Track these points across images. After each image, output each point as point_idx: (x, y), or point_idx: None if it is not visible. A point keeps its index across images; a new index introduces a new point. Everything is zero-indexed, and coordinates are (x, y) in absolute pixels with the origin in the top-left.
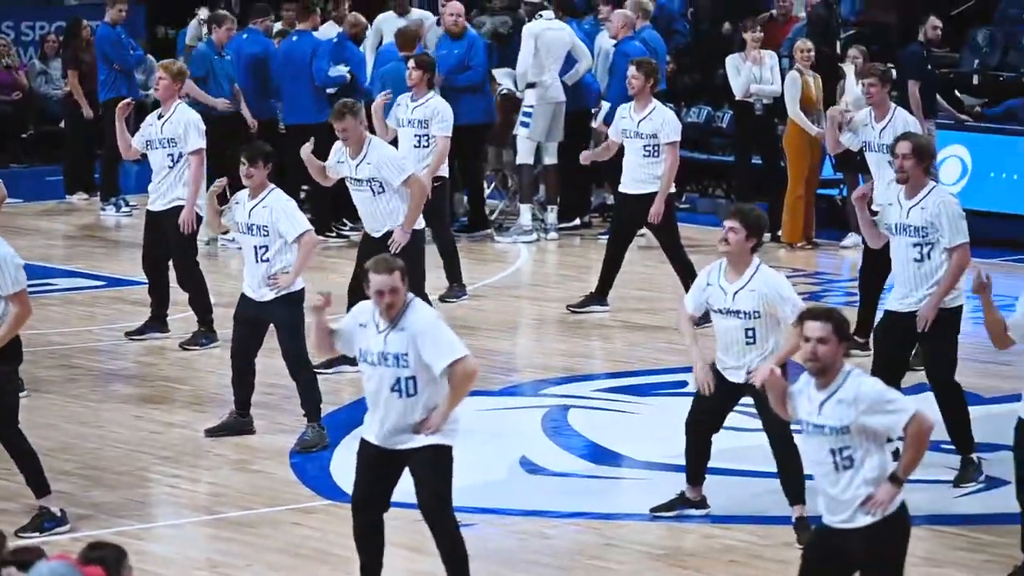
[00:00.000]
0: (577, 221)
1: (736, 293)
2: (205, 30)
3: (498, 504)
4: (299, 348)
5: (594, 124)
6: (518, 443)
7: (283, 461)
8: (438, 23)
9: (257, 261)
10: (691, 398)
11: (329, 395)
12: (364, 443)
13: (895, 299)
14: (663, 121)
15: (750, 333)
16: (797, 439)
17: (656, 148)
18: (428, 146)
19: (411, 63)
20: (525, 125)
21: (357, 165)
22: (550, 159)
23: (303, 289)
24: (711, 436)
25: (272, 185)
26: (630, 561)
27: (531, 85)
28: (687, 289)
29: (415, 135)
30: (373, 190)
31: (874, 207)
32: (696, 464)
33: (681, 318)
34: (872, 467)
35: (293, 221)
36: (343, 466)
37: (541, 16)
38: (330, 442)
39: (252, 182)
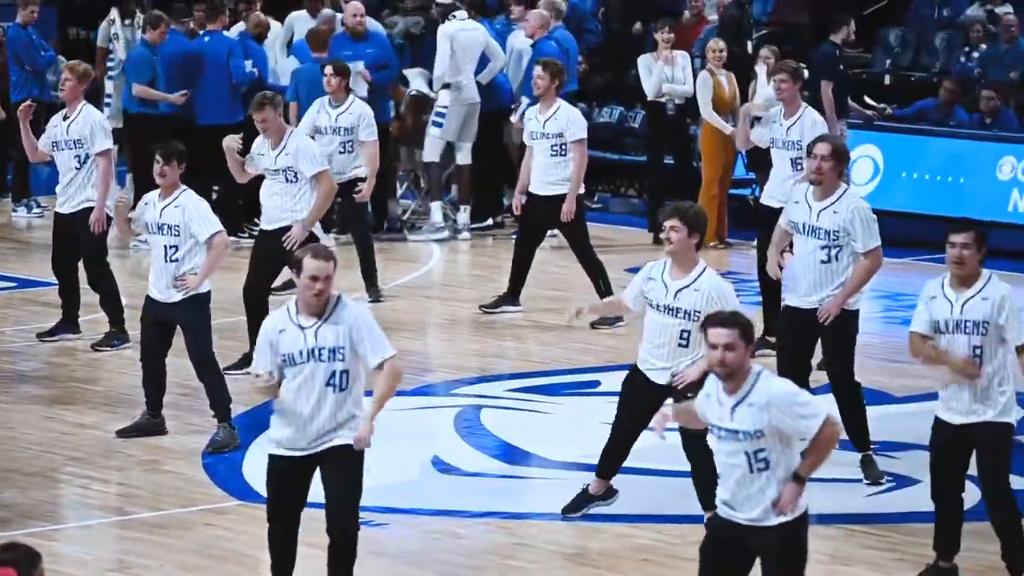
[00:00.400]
0: (490, 221)
1: (680, 291)
2: (140, 32)
3: (410, 504)
4: (205, 349)
5: (513, 119)
6: (430, 443)
7: (195, 462)
8: (342, 23)
9: (166, 261)
10: (604, 398)
11: (240, 395)
12: (274, 458)
13: (797, 296)
14: (568, 120)
15: (685, 335)
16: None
17: (563, 147)
18: (354, 151)
19: (329, 70)
20: (437, 125)
21: (277, 155)
22: (463, 159)
23: (210, 291)
24: (633, 439)
25: (184, 186)
26: (542, 560)
27: (446, 86)
28: (597, 288)
29: (341, 142)
30: (287, 178)
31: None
32: (612, 463)
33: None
34: (786, 468)
35: (206, 221)
36: (255, 467)
37: (454, 17)
38: (242, 442)
39: (165, 181)
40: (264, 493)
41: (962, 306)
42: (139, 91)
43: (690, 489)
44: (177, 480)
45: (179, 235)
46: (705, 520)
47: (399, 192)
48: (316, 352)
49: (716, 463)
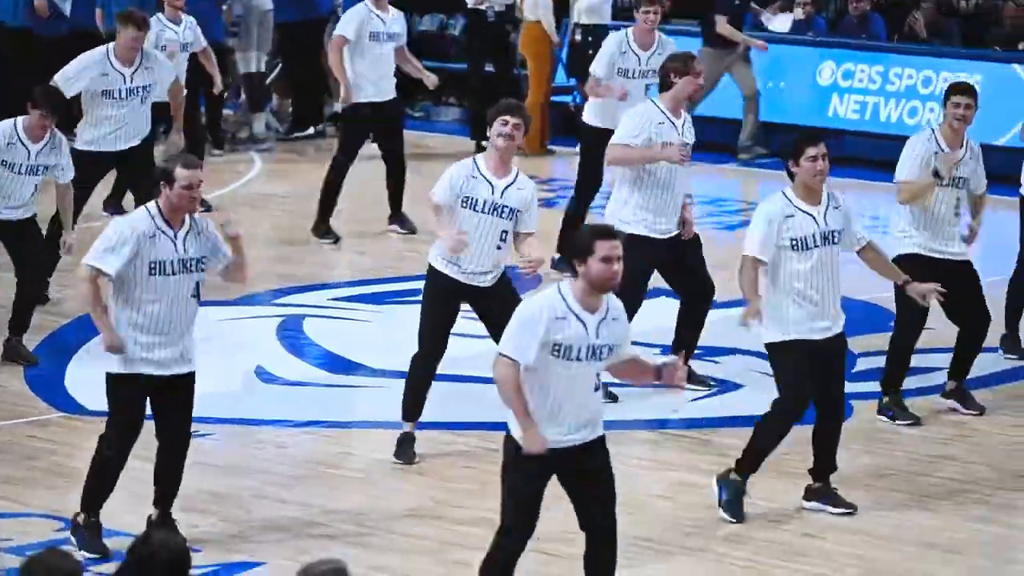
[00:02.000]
0: (311, 130)
1: (506, 189)
2: None
3: (234, 414)
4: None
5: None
6: (254, 353)
7: (17, 374)
8: None
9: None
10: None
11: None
12: (135, 376)
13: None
14: (402, 25)
15: (504, 236)
16: (556, 365)
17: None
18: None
19: None
20: (235, 35)
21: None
22: (256, 67)
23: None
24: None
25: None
26: (366, 469)
27: None
28: (395, 200)
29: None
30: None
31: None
32: (417, 400)
33: (434, 208)
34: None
35: None
36: (78, 380)
37: None
38: (67, 355)
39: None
40: (83, 403)
41: (825, 218)
42: None
43: None
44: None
45: None
46: None
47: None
48: (185, 264)
49: (562, 391)
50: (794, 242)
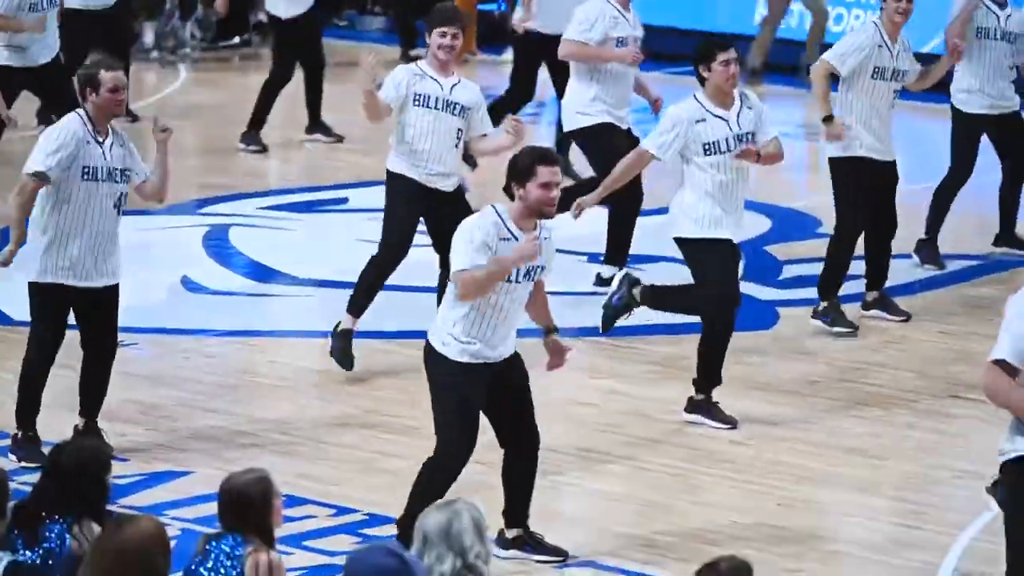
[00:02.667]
0: (236, 40)
1: (453, 87)
2: None
3: (160, 324)
4: None
5: None
6: (179, 263)
7: None
8: None
9: None
10: (352, 214)
11: None
12: (57, 287)
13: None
14: None
15: (459, 135)
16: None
17: None
18: None
19: None
20: None
21: None
22: None
23: None
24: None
25: None
26: (292, 377)
27: None
28: (313, 109)
29: None
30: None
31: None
32: (368, 299)
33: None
34: None
35: None
36: (3, 291)
37: None
38: None
39: None
40: (9, 314)
41: (738, 121)
42: None
43: None
44: None
45: None
46: None
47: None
48: (112, 173)
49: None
50: (706, 146)
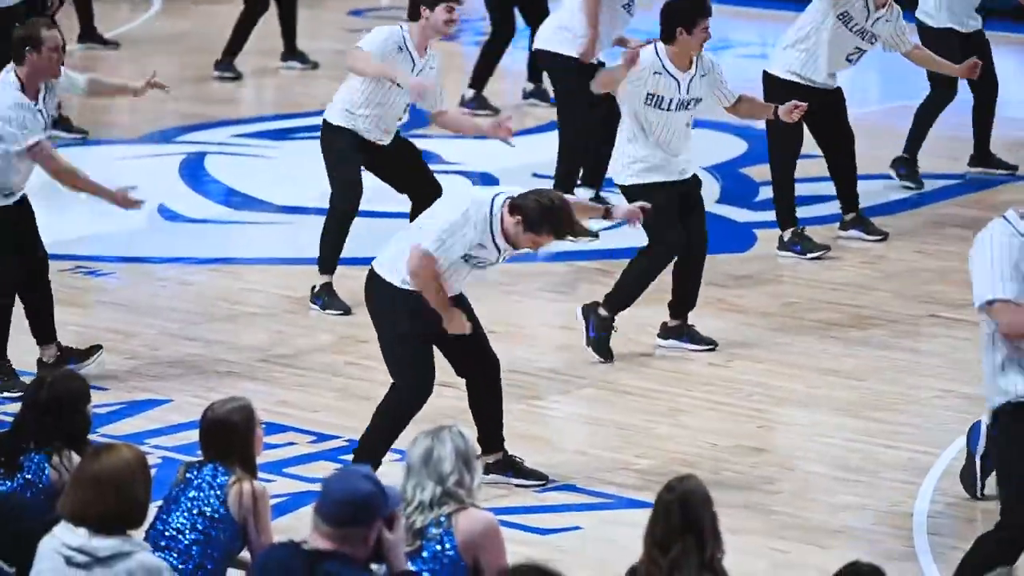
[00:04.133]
0: None
1: (423, 70)
2: None
3: (137, 252)
4: None
5: None
6: (156, 191)
7: None
8: None
9: None
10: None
11: None
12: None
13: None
14: None
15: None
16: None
17: None
18: None
19: None
20: None
21: None
22: None
23: None
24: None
25: None
26: (269, 304)
27: None
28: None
29: None
30: None
31: None
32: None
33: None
34: None
35: None
36: None
37: None
38: None
39: None
40: None
41: (688, 85)
42: None
43: None
44: None
45: None
46: None
47: None
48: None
49: None
50: (649, 97)
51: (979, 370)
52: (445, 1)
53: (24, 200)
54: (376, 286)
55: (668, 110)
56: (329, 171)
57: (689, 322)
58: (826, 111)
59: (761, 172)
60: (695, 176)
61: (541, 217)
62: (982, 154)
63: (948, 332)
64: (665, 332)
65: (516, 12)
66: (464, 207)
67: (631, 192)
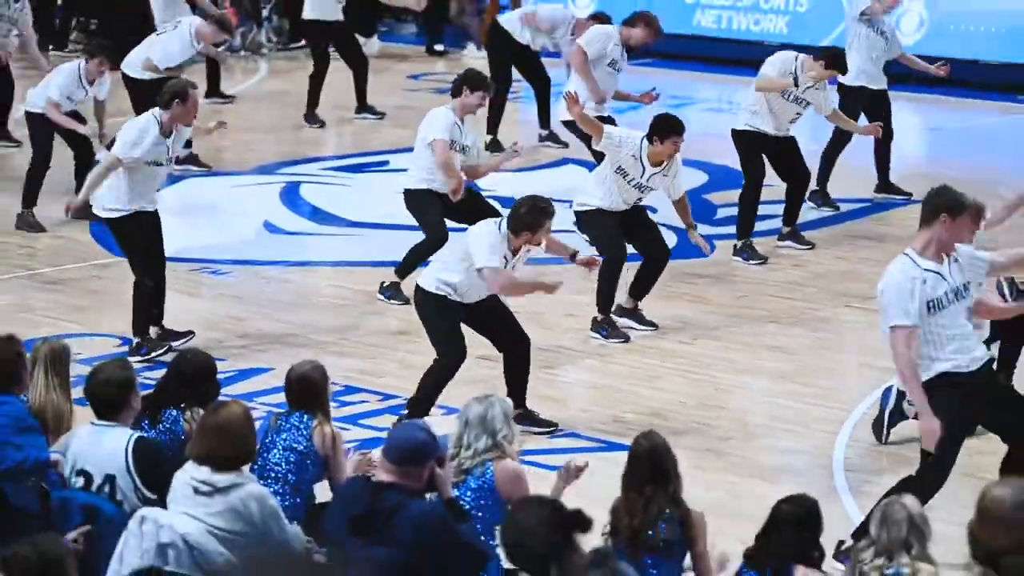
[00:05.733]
0: (303, 41)
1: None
2: None
3: (249, 257)
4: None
5: None
6: (262, 211)
7: (84, 228)
8: None
9: None
10: (392, 173)
11: None
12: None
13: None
14: None
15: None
16: None
17: None
18: None
19: None
20: None
21: None
22: None
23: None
24: None
25: None
26: (347, 296)
27: None
28: (360, 95)
29: None
30: None
31: None
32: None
33: None
34: None
35: None
36: None
37: None
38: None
39: None
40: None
41: (650, 178)
42: None
43: None
44: (69, 243)
45: None
46: None
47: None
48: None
49: None
50: (620, 168)
51: (883, 348)
52: (482, 90)
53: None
54: (418, 292)
55: (629, 184)
56: (418, 217)
57: (641, 308)
58: (781, 154)
59: (719, 197)
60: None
61: (532, 216)
62: (885, 183)
63: (860, 319)
64: (620, 311)
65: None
66: (492, 232)
67: (584, 216)
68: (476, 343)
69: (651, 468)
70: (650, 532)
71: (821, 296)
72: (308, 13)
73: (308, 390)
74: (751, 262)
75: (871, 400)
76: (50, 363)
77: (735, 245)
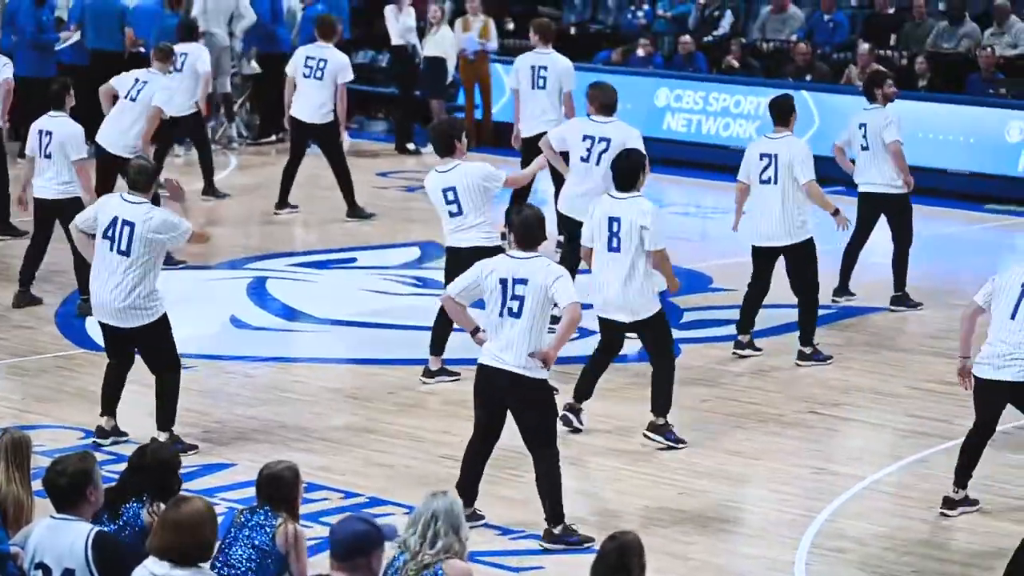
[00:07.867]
0: (273, 137)
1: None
2: None
3: (214, 352)
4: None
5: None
6: (228, 305)
7: (48, 319)
8: None
9: None
10: (360, 270)
11: None
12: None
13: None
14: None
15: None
16: None
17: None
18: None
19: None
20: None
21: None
22: (222, 88)
23: None
24: None
25: None
26: (313, 393)
27: (202, 34)
28: (343, 190)
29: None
30: None
31: None
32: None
33: None
34: None
35: None
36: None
37: None
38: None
39: None
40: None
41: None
42: None
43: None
44: (34, 334)
45: None
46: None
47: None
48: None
49: None
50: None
51: (848, 452)
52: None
53: None
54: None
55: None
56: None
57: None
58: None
59: (684, 300)
60: None
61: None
62: (843, 287)
63: (823, 424)
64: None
65: None
66: None
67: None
68: (440, 443)
69: (617, 562)
70: None
71: (784, 401)
72: (293, 111)
73: (279, 490)
74: (746, 351)
75: (832, 508)
76: (11, 454)
77: (736, 341)
